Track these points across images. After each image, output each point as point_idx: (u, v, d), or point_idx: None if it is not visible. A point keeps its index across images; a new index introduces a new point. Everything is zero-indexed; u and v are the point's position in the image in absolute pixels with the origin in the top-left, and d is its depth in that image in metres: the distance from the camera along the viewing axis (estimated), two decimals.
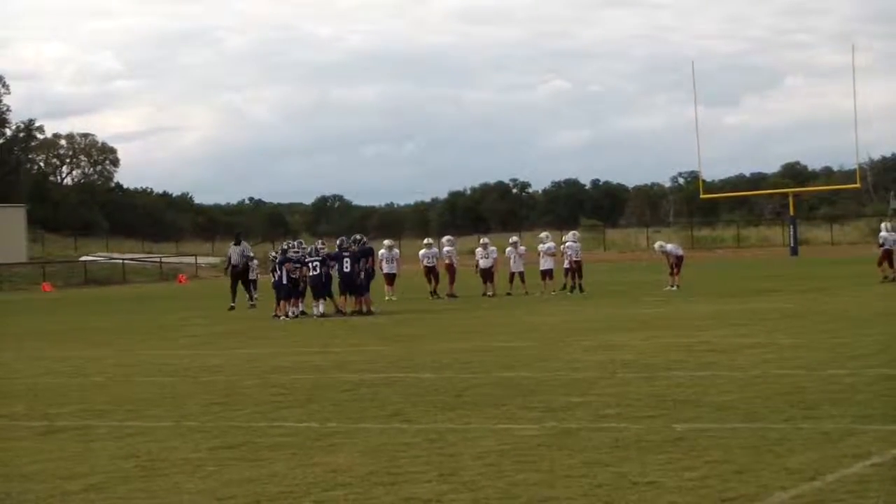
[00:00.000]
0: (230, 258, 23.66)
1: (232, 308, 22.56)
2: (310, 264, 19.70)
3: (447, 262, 24.79)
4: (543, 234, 25.41)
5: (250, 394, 9.61)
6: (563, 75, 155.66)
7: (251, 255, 23.98)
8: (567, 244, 24.18)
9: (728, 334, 13.04)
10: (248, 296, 23.29)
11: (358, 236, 21.01)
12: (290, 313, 19.48)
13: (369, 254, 20.33)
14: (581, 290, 23.71)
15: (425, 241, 25.88)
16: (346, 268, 19.66)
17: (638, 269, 38.88)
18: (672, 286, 23.33)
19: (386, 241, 25.41)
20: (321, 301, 19.72)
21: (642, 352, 11.49)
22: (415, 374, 10.43)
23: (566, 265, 24.07)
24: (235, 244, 23.82)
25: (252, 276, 23.39)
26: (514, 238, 25.98)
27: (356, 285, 19.66)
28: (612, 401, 8.21)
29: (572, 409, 7.96)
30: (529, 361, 11.13)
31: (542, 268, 24.39)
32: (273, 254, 21.82)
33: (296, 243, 21.11)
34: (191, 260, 55.78)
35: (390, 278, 23.97)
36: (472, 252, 26.55)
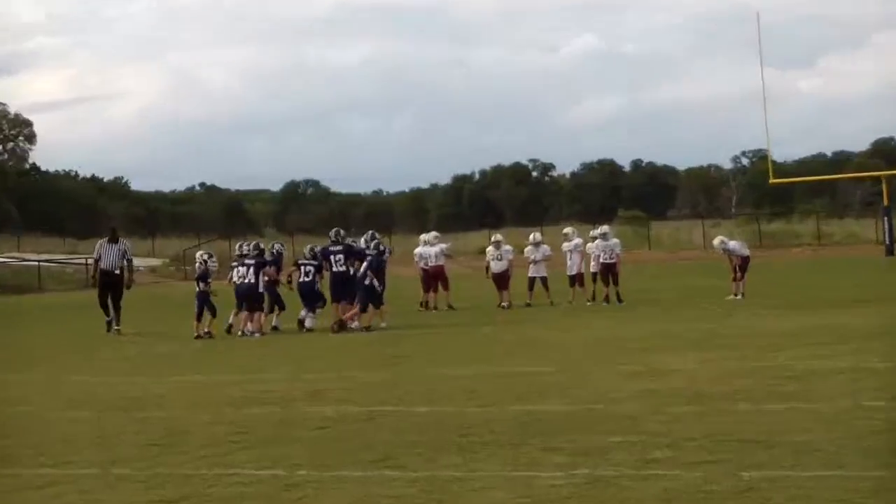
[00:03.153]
0: (98, 260, 22.18)
1: (112, 327, 21.32)
2: (302, 268, 20.48)
3: (438, 264, 24.67)
4: (568, 230, 25.39)
5: (198, 432, 9.57)
6: (595, 30, 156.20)
7: (131, 256, 22.57)
8: (596, 243, 24.12)
9: (807, 356, 12.98)
10: (113, 316, 21.57)
11: (374, 238, 20.95)
12: (247, 331, 19.66)
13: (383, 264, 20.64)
14: (619, 299, 23.69)
15: (422, 237, 25.87)
16: (340, 266, 20.17)
17: (691, 273, 38.85)
18: (736, 294, 23.30)
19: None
20: (312, 312, 20.29)
21: (697, 378, 11.44)
22: (407, 408, 10.39)
23: (593, 268, 24.10)
24: (111, 241, 22.22)
25: (205, 286, 20.21)
26: (536, 234, 25.98)
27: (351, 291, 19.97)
28: (660, 441, 8.16)
29: (609, 451, 7.91)
30: (553, 391, 11.08)
31: (569, 272, 24.39)
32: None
33: (249, 246, 21.09)
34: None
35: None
36: (482, 252, 26.51)
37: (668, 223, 74.72)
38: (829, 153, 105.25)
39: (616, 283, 23.97)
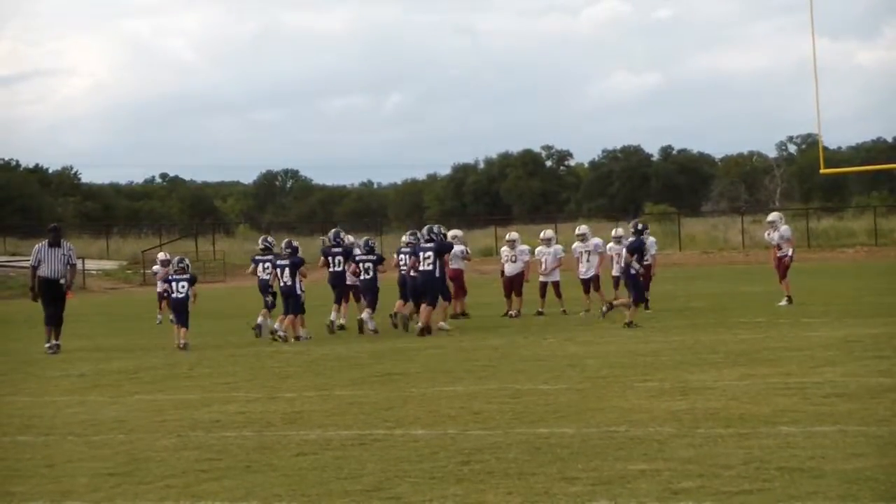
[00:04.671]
0: (37, 267, 21.25)
1: (52, 348, 20.70)
2: (360, 265, 22.21)
3: (457, 268, 24.80)
4: (585, 229, 25.43)
5: (163, 460, 9.61)
6: None
7: (75, 261, 21.88)
8: (617, 244, 24.27)
9: (860, 372, 13.02)
10: (53, 332, 20.97)
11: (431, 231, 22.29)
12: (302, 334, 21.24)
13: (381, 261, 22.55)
14: (646, 306, 23.76)
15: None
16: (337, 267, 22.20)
17: (728, 277, 38.91)
18: (785, 301, 23.42)
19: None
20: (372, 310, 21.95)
21: (734, 397, 11.49)
22: (403, 431, 10.43)
23: (615, 272, 24.21)
24: (52, 245, 21.35)
25: (182, 294, 20.97)
26: (548, 233, 26.03)
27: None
28: (690, 469, 8.21)
29: (633, 480, 7.96)
30: (569, 411, 11.13)
31: (582, 276, 24.47)
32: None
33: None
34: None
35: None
36: (488, 254, 26.50)
37: (703, 220, 74.67)
38: (889, 138, 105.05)
39: (647, 288, 24.05)
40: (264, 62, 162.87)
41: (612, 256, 24.58)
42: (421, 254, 21.42)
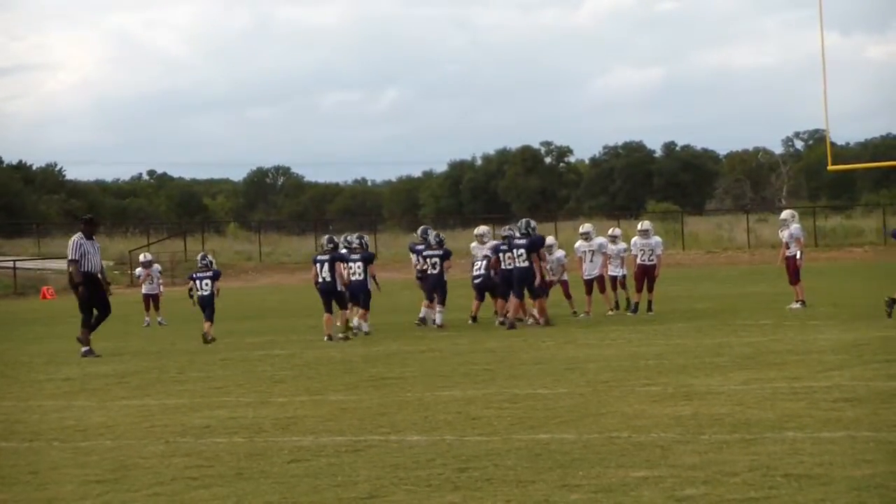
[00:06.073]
0: (78, 260, 20.45)
1: (89, 352, 20.12)
2: (427, 259, 23.37)
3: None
4: (588, 228, 25.42)
5: (151, 467, 9.61)
6: None
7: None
8: (634, 241, 24.34)
9: (869, 376, 13.04)
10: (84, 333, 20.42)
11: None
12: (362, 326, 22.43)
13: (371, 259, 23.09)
14: (649, 308, 23.80)
15: (420, 231, 25.87)
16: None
17: (734, 277, 38.94)
18: (797, 303, 23.40)
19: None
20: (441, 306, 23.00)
21: (740, 402, 11.50)
22: (398, 437, 10.45)
23: (611, 271, 24.30)
24: (89, 237, 20.83)
25: (207, 291, 22.81)
26: (550, 239, 25.99)
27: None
28: (695, 476, 8.22)
29: (636, 487, 7.97)
30: (570, 417, 11.13)
31: (585, 276, 24.47)
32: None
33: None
34: (61, 265, 55.70)
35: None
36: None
37: (707, 218, 74.74)
38: None
39: (651, 289, 24.10)
40: (256, 57, 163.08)
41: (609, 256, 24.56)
42: (515, 251, 22.11)
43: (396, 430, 10.84)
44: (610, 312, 24.17)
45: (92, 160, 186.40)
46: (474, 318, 23.67)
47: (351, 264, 22.31)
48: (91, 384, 16.06)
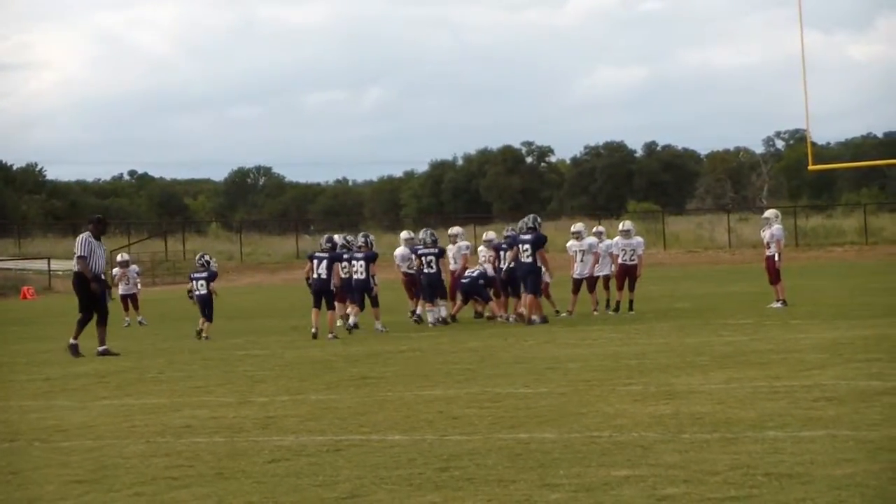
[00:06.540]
0: (87, 257, 20.13)
1: (104, 351, 20.02)
2: (423, 258, 23.71)
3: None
4: (580, 227, 25.47)
5: (132, 467, 9.60)
6: None
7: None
8: (616, 240, 24.44)
9: (850, 375, 13.06)
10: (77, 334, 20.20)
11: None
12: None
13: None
14: (630, 307, 23.86)
15: (404, 234, 25.93)
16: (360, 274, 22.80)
17: (714, 277, 39.01)
18: (778, 302, 23.49)
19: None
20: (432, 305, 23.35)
21: (721, 401, 11.51)
22: (379, 436, 10.44)
23: (598, 271, 24.40)
24: (97, 238, 20.46)
25: (204, 290, 23.56)
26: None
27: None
28: (675, 475, 8.23)
29: (617, 486, 7.98)
30: (551, 416, 11.14)
31: (575, 275, 24.53)
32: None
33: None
34: (41, 265, 55.71)
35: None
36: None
37: (688, 218, 74.91)
38: (880, 134, 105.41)
39: (632, 288, 24.16)
40: (239, 56, 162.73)
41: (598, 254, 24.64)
42: (519, 246, 22.37)
43: (377, 429, 10.84)
44: (595, 312, 24.24)
45: (73, 160, 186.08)
46: (453, 318, 23.72)
47: (354, 263, 22.54)
48: (72, 384, 16.03)
